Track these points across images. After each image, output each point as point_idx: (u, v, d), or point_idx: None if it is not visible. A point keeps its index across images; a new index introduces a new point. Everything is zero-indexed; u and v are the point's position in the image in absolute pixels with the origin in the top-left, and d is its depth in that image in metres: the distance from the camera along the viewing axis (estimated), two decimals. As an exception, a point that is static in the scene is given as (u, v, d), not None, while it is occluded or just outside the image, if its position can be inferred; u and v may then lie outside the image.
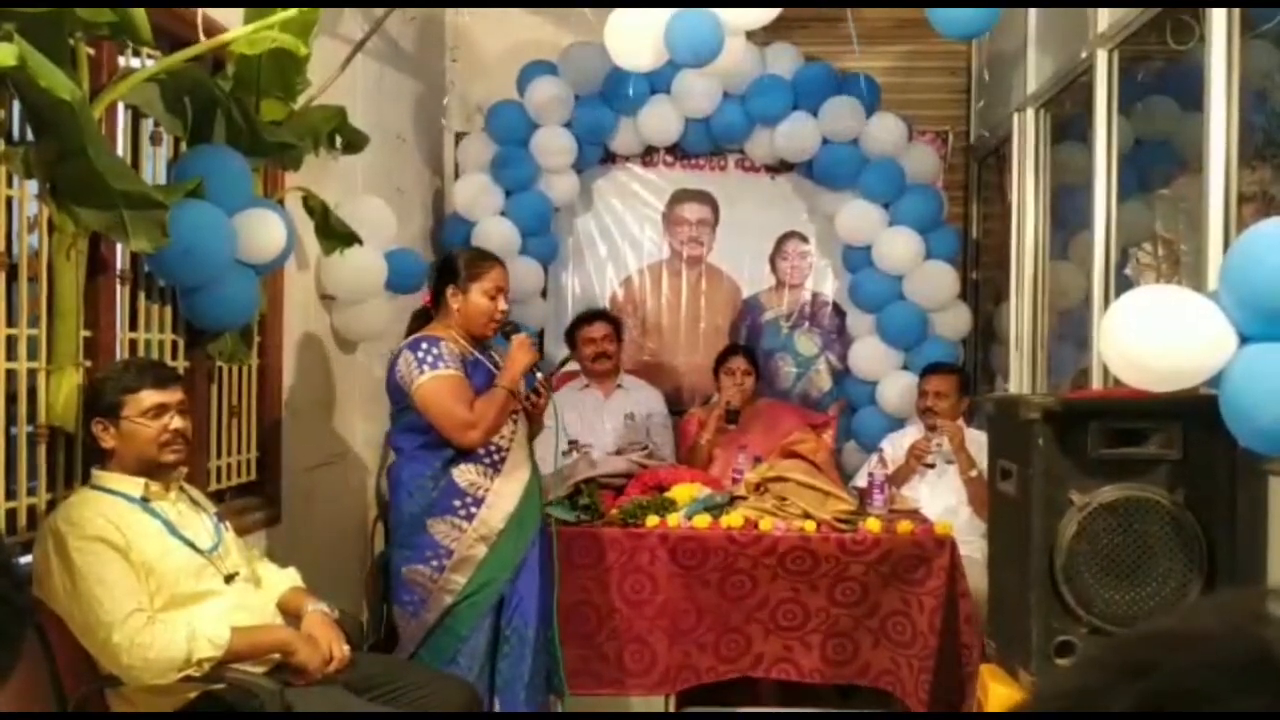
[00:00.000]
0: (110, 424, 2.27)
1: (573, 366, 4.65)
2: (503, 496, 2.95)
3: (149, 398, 2.28)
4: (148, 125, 2.82)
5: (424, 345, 2.89)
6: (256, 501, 3.37)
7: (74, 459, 2.47)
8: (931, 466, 3.97)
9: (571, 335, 4.52)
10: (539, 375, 3.08)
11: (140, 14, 2.22)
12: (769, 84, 4.66)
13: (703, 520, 3.43)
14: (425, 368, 2.85)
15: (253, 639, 2.30)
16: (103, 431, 2.28)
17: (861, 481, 3.94)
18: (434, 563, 2.90)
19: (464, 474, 2.91)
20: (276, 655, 2.36)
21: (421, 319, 3.10)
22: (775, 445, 3.88)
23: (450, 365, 2.87)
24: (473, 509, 2.91)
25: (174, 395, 2.33)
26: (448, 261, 3.08)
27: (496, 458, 2.96)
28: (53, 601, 2.15)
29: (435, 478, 2.91)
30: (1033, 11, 3.89)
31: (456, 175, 4.98)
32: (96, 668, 2.20)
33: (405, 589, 2.93)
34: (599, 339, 4.41)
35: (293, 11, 2.56)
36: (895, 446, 4.14)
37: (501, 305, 2.99)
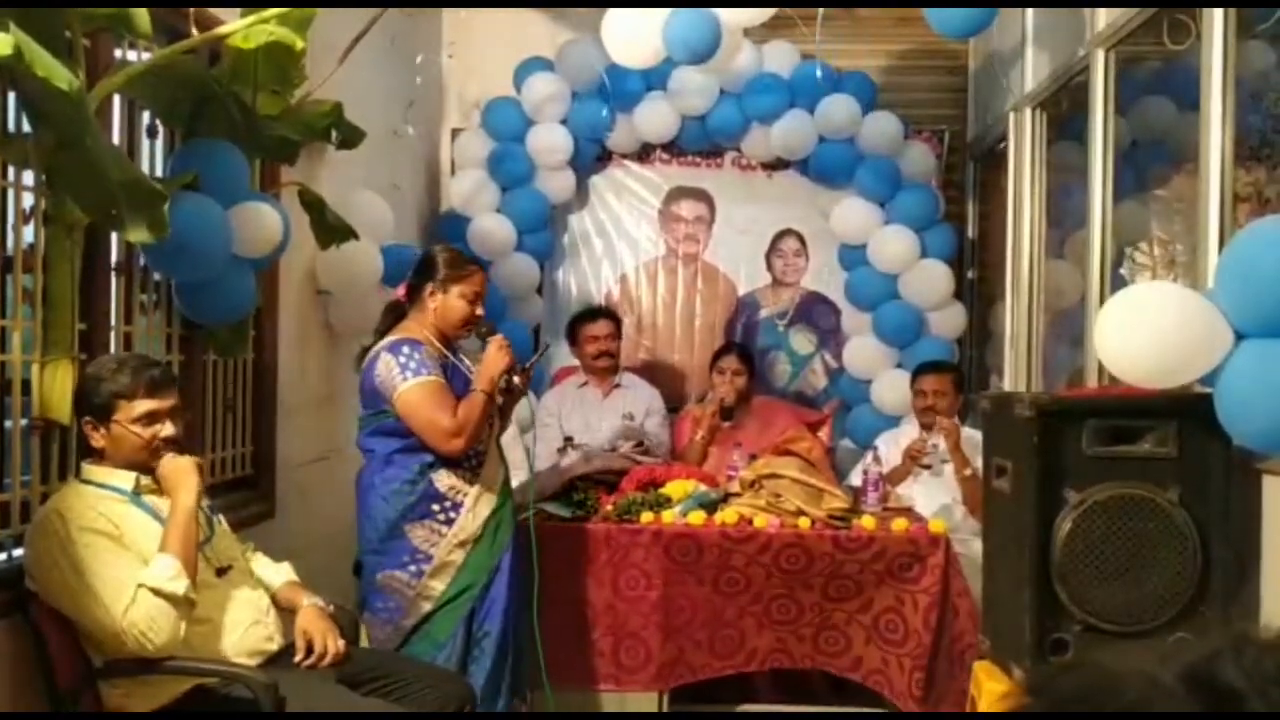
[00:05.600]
0: (100, 424, 2.24)
1: (571, 362, 4.64)
2: (481, 500, 2.91)
3: (141, 405, 2.24)
4: (143, 119, 2.82)
5: (405, 349, 2.81)
6: (251, 496, 3.37)
7: (68, 452, 2.46)
8: (928, 468, 3.96)
9: (573, 332, 4.51)
10: (514, 376, 2.99)
11: (142, 11, 2.21)
12: (766, 82, 4.66)
13: (697, 517, 3.43)
14: (409, 374, 2.77)
15: (182, 540, 2.20)
16: (92, 430, 2.25)
17: (856, 479, 3.94)
18: (411, 568, 2.85)
19: (444, 478, 2.87)
20: (271, 647, 2.35)
21: (394, 313, 3.04)
22: (770, 443, 3.88)
23: (433, 371, 2.80)
24: (451, 514, 2.87)
25: (167, 401, 2.28)
26: (429, 258, 3.01)
27: (475, 461, 2.92)
28: (48, 594, 2.15)
29: (414, 482, 2.85)
30: (1030, 11, 3.90)
31: (453, 171, 4.98)
32: (89, 660, 2.19)
33: (380, 595, 2.88)
34: (602, 337, 4.37)
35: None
36: (890, 444, 4.13)
37: (479, 310, 2.95)
